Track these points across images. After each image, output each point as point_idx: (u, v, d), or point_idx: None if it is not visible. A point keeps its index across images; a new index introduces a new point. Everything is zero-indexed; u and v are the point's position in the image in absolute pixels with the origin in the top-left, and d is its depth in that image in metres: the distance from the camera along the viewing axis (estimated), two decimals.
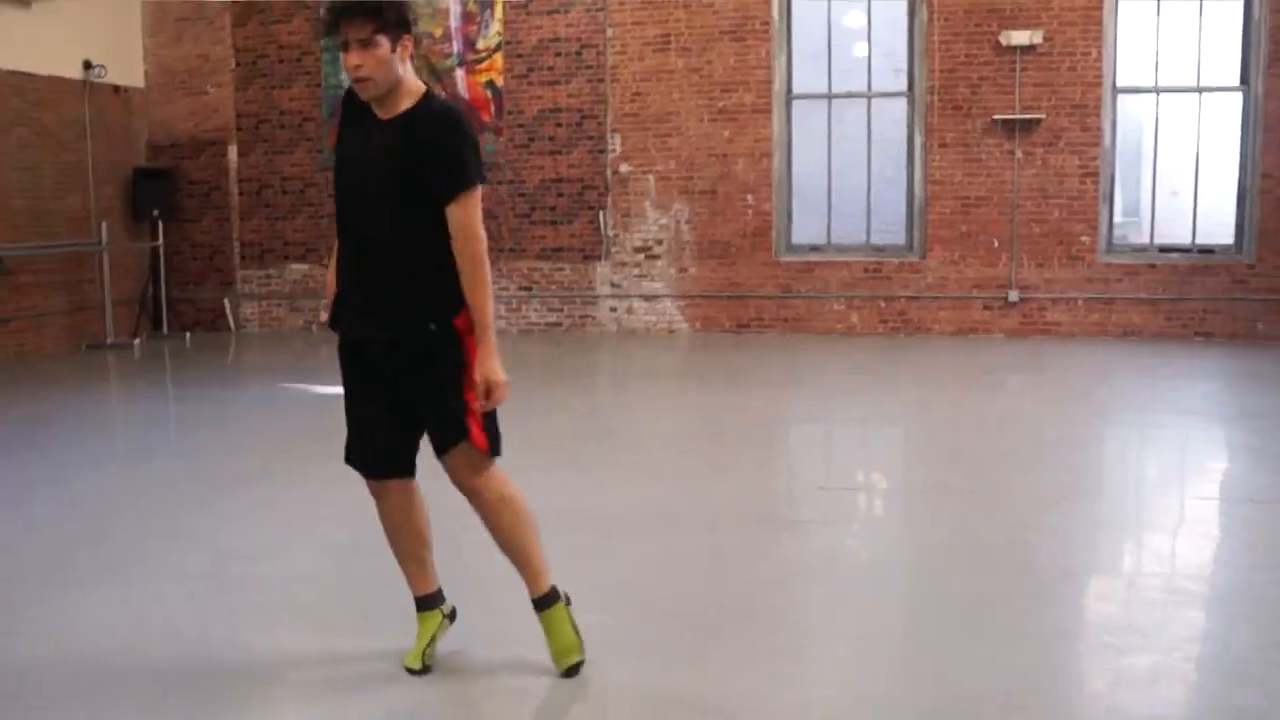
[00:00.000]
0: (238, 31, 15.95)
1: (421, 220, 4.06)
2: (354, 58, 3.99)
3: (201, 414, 10.34)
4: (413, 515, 4.40)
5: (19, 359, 13.66)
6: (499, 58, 14.96)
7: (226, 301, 16.07)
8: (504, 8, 14.89)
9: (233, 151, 16.01)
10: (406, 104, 4.09)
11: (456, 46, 15.06)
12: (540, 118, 14.86)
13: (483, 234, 4.05)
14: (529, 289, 14.92)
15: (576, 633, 4.37)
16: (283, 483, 7.56)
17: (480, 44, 15.01)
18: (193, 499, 7.25)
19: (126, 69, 15.85)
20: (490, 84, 14.98)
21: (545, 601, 4.34)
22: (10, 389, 11.81)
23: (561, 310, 14.89)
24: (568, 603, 4.40)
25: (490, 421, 4.20)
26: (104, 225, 14.89)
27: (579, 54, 14.74)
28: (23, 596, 5.48)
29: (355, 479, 4.45)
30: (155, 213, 15.59)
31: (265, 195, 15.90)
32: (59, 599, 5.41)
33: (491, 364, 4.09)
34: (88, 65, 15.05)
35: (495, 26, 14.94)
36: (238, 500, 7.16)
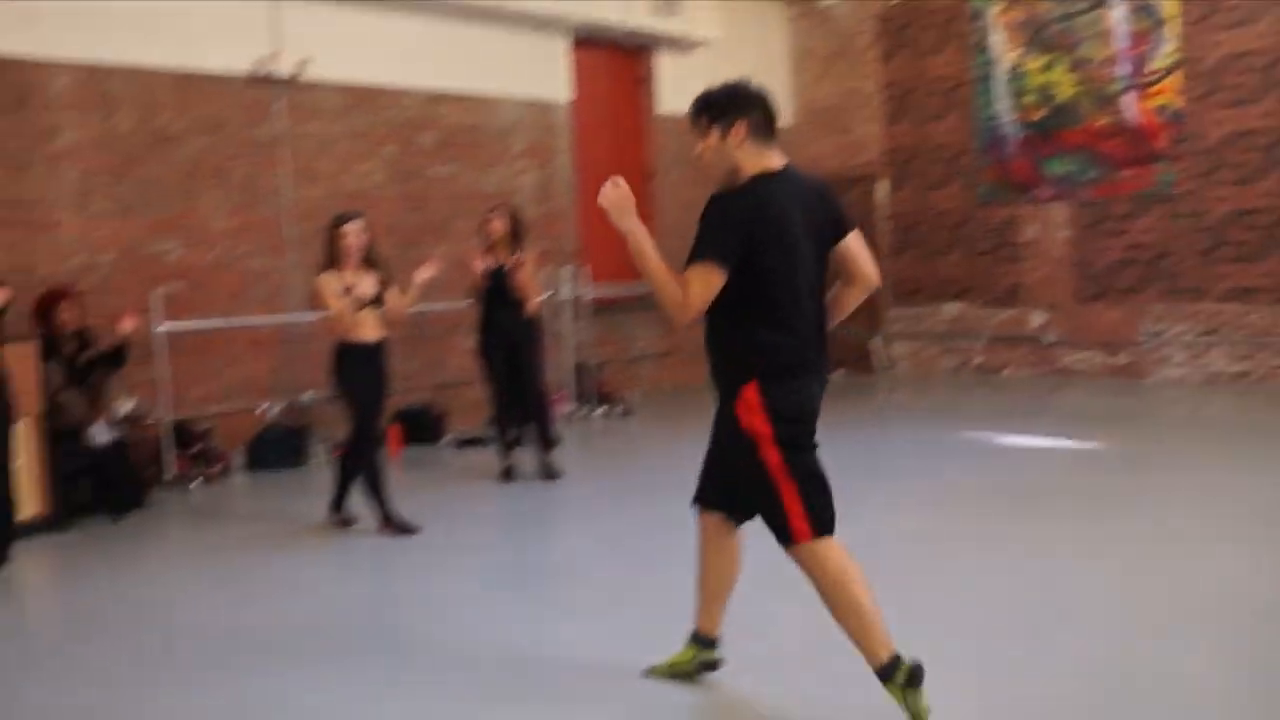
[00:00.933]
0: (886, 65, 15.53)
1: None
2: (696, 146, 4.33)
3: (857, 458, 9.78)
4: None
5: (678, 391, 13.87)
6: (1175, 78, 13.55)
7: (876, 340, 15.64)
8: (1180, 23, 13.46)
9: (882, 187, 15.58)
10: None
11: (1124, 69, 13.80)
12: (1225, 142, 13.25)
13: (690, 305, 4.08)
14: (1212, 333, 13.32)
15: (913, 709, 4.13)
16: (1001, 547, 6.78)
17: (1152, 64, 13.67)
18: (911, 556, 6.62)
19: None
20: (1164, 108, 13.59)
21: (883, 674, 4.18)
22: (666, 421, 11.88)
23: (1251, 358, 13.14)
24: (910, 680, 4.12)
25: (812, 504, 4.24)
26: None
27: (1271, 68, 13.04)
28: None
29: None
30: None
31: (917, 232, 15.33)
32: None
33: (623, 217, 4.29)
34: None
35: (1169, 45, 13.54)
36: (956, 564, 6.45)
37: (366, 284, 7.47)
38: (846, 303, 4.48)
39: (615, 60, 13.99)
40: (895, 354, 15.62)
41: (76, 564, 7.31)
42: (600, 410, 12.23)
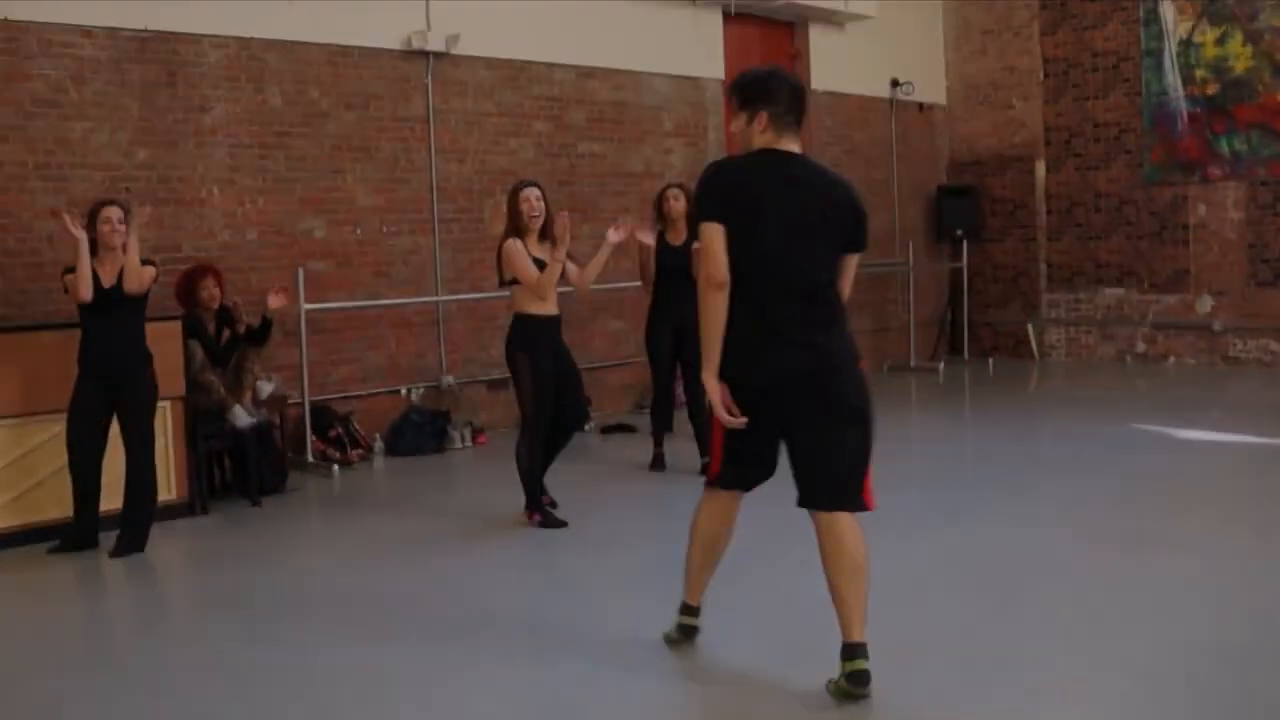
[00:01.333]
0: (1047, 40, 14.89)
1: None
2: (731, 122, 4.68)
3: (1018, 449, 9.29)
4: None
5: None
6: None
7: (1030, 327, 15.03)
8: None
9: (1040, 167, 14.95)
10: None
11: None
12: None
13: (704, 267, 4.34)
14: None
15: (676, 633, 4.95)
16: (1197, 553, 6.30)
17: None
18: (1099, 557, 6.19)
19: (930, 85, 15.32)
20: None
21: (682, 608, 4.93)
22: None
23: None
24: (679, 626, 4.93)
25: (724, 458, 4.61)
26: (910, 245, 14.44)
27: None
28: None
29: None
30: (958, 232, 14.90)
31: (1076, 214, 14.67)
32: None
33: (706, 377, 4.41)
34: (895, 83, 14.67)
35: None
36: (1145, 571, 6.01)
37: (545, 255, 7.17)
38: None
39: (768, 35, 13.57)
40: (1050, 340, 15.00)
41: (216, 549, 7.20)
42: None
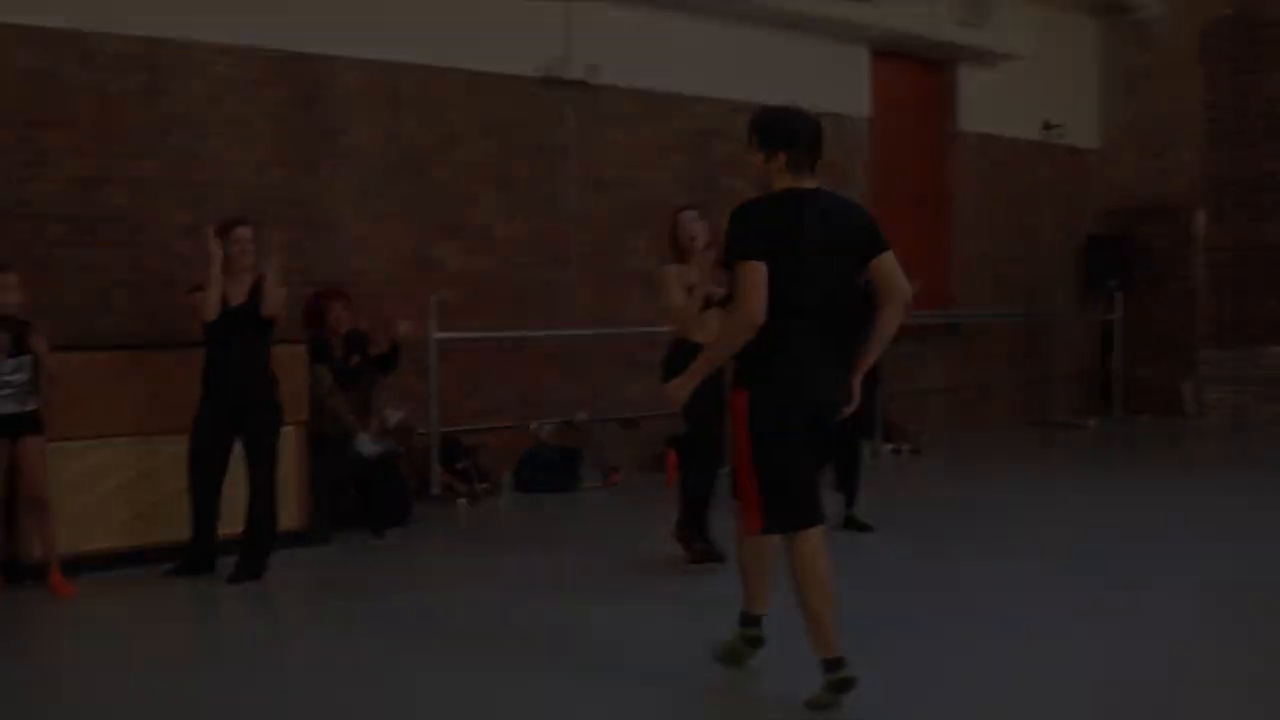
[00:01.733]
0: (1211, 85, 14.21)
1: None
2: (747, 154, 4.75)
3: (1179, 513, 8.65)
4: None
5: (965, 430, 12.92)
6: None
7: (1186, 385, 14.28)
8: None
9: (1200, 217, 14.24)
10: None
11: None
12: None
13: (747, 305, 4.41)
14: None
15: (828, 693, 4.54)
16: None
17: None
18: None
19: (1083, 128, 14.72)
20: None
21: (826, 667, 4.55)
22: (960, 464, 10.98)
23: None
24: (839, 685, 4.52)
25: (768, 500, 4.57)
26: (1059, 295, 13.85)
27: None
28: None
29: None
30: (1110, 283, 14.23)
31: (1239, 267, 13.94)
32: None
33: (676, 383, 4.86)
34: (1046, 125, 14.10)
35: None
36: None
37: (706, 279, 6.71)
38: (884, 321, 4.69)
39: (916, 73, 13.17)
40: (1207, 399, 14.22)
41: (335, 580, 6.98)
42: (887, 447, 11.34)
